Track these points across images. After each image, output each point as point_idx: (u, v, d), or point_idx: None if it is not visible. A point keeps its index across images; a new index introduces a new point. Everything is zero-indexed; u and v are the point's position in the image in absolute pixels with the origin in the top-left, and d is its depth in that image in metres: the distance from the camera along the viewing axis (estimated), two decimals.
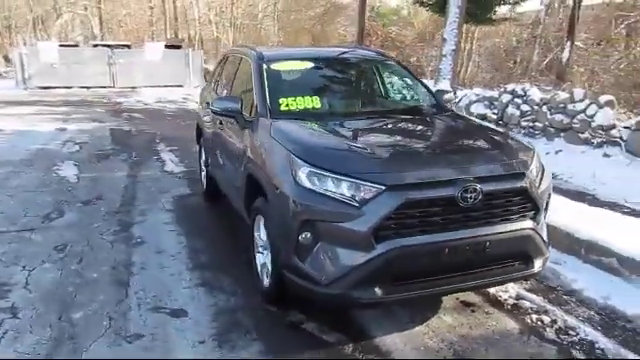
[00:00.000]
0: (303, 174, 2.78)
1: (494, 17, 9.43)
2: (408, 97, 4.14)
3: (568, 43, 13.65)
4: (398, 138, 3.44)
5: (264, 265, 3.33)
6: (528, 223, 2.93)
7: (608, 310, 3.26)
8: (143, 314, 3.20)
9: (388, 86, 4.20)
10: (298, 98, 3.74)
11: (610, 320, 3.16)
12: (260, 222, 3.34)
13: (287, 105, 3.68)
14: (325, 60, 4.32)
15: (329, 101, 3.87)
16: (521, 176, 2.90)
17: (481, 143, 3.22)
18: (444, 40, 7.22)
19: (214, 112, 3.88)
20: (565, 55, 13.63)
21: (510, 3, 8.46)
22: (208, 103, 5.16)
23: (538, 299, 3.40)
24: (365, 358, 2.77)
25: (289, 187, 2.81)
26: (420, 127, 3.66)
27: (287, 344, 2.90)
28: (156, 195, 5.78)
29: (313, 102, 3.74)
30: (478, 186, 2.71)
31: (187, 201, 5.64)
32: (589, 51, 14.39)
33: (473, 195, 2.69)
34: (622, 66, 13.21)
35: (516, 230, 2.87)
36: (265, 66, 3.98)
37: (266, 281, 3.27)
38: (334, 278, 2.68)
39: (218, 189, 5.41)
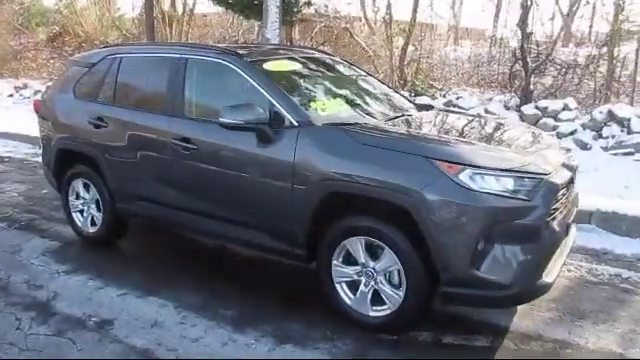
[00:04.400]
0: (465, 177, 2.58)
1: (294, 19, 9.98)
2: (390, 96, 4.05)
3: None
4: (479, 133, 3.38)
5: (371, 295, 2.91)
6: None
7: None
8: None
9: (372, 85, 4.04)
10: (324, 101, 3.32)
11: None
12: (357, 245, 2.89)
13: (323, 110, 3.22)
14: (305, 60, 3.83)
15: (348, 103, 3.53)
16: None
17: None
18: (267, 40, 7.17)
19: (227, 126, 3.05)
20: None
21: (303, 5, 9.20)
22: (100, 120, 3.89)
23: None
24: (535, 344, 2.84)
25: (454, 194, 2.56)
26: (463, 123, 3.58)
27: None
28: (8, 258, 4.02)
29: (341, 105, 3.38)
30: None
31: (74, 253, 4.14)
32: None
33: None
34: None
35: None
36: (259, 67, 3.36)
37: (379, 312, 2.90)
38: (516, 277, 2.60)
39: (126, 225, 4.23)
